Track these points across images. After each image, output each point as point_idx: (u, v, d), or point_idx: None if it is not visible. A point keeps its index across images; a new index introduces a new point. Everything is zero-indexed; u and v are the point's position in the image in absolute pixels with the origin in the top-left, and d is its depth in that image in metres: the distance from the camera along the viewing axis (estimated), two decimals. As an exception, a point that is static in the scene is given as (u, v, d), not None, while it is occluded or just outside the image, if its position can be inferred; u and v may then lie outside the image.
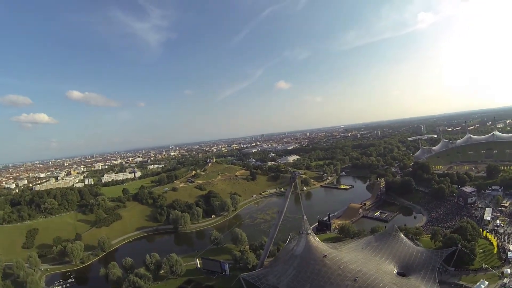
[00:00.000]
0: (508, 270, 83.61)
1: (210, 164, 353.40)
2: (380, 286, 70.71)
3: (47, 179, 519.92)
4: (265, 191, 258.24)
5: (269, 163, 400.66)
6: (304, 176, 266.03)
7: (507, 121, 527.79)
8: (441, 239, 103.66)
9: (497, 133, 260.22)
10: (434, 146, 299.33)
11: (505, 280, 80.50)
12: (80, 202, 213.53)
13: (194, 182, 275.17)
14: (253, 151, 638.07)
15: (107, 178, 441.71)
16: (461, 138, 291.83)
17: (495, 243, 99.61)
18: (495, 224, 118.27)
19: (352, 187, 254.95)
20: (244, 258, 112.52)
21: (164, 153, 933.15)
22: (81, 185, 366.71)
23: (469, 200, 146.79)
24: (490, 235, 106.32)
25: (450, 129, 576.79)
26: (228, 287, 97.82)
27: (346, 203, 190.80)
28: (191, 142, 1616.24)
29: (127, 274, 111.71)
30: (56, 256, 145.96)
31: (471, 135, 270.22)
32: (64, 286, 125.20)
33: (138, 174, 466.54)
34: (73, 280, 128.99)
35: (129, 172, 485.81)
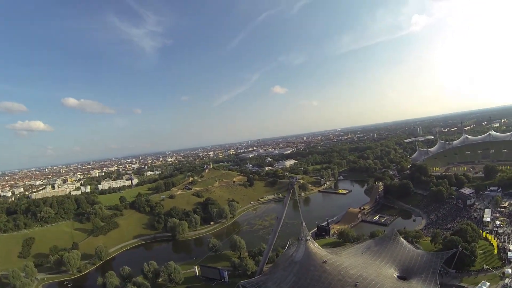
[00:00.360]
0: (509, 270, 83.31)
1: (207, 170, 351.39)
2: (381, 291, 69.90)
3: (44, 186, 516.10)
4: (263, 197, 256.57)
5: (266, 168, 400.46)
6: (301, 181, 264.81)
7: (503, 121, 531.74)
8: (441, 241, 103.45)
9: (493, 132, 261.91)
10: (431, 147, 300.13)
11: (507, 281, 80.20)
12: (76, 211, 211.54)
13: (191, 189, 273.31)
14: (250, 156, 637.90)
15: (104, 185, 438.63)
16: (457, 138, 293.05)
17: (495, 244, 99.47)
18: (494, 225, 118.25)
19: (350, 191, 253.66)
20: (243, 265, 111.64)
21: (161, 159, 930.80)
22: (78, 192, 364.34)
23: (468, 202, 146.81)
24: (490, 236, 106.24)
25: (446, 130, 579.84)
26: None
27: (344, 207, 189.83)
28: (188, 147, 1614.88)
29: (125, 283, 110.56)
30: (52, 266, 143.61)
31: (468, 136, 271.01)
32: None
33: (135, 181, 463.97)
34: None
35: (126, 179, 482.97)
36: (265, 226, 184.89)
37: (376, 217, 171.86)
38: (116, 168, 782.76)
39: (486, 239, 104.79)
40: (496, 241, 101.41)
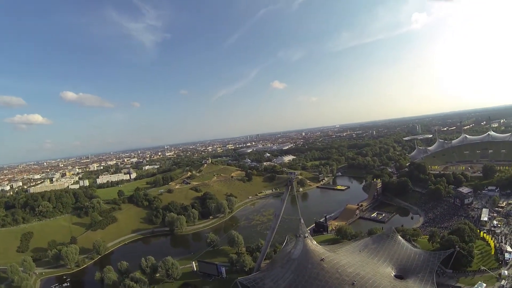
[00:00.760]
0: (506, 272, 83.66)
1: (205, 165, 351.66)
2: (378, 290, 70.13)
3: (42, 180, 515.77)
4: (261, 192, 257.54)
5: (264, 163, 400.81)
6: (300, 177, 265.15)
7: (502, 121, 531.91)
8: (439, 240, 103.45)
9: (492, 133, 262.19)
10: (430, 146, 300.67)
11: (503, 282, 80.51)
12: (75, 205, 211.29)
13: (189, 183, 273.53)
14: (249, 151, 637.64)
15: (102, 179, 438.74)
16: (456, 138, 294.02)
17: (492, 244, 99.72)
18: (492, 225, 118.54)
19: (348, 187, 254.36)
20: (241, 261, 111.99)
21: (159, 153, 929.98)
22: (76, 186, 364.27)
23: (466, 201, 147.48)
24: (487, 235, 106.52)
25: (445, 128, 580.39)
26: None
27: (342, 204, 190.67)
28: (187, 142, 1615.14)
29: (123, 278, 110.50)
30: (51, 260, 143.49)
31: (467, 135, 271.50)
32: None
33: (134, 175, 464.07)
34: (68, 284, 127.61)
35: (125, 173, 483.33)
36: (263, 221, 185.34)
37: (374, 214, 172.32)
38: (114, 162, 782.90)
39: (483, 239, 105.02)
40: (493, 242, 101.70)
